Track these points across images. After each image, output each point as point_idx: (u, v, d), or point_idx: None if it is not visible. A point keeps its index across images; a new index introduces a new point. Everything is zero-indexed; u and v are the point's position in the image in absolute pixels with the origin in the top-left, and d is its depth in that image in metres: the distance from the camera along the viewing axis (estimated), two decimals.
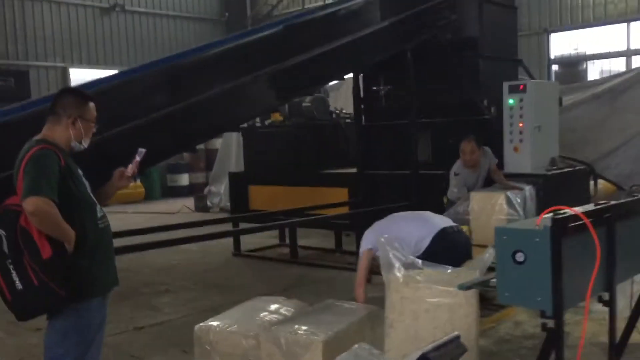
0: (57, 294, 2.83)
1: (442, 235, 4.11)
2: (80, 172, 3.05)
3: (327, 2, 15.63)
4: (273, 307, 4.18)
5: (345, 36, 5.57)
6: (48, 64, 16.73)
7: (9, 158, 2.86)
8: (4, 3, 15.97)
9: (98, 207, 3.09)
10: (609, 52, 14.22)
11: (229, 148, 13.68)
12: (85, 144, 3.07)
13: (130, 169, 3.20)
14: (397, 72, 6.60)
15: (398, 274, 3.38)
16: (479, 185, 5.91)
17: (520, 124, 6.05)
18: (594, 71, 14.44)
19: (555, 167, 6.23)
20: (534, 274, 2.55)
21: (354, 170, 7.39)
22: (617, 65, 13.98)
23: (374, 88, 6.89)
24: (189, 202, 14.86)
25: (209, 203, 14.34)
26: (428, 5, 6.54)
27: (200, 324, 3.97)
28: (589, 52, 14.67)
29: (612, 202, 2.95)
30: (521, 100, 6.01)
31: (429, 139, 6.70)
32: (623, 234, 2.96)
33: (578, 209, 2.72)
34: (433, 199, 6.03)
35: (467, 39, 6.60)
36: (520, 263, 2.59)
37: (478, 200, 5.45)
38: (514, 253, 2.60)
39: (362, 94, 7.16)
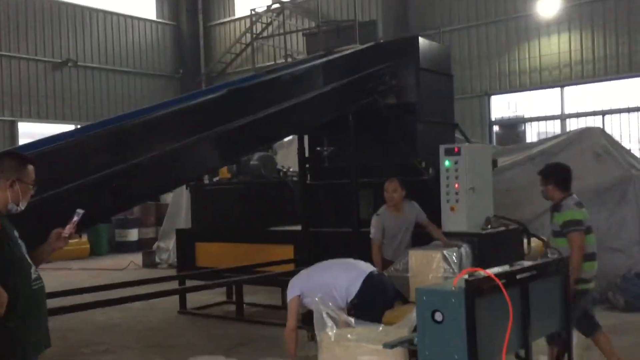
0: None
1: (370, 278, 4.39)
2: (16, 233, 3.09)
3: (277, 62, 16.20)
4: None
5: (288, 100, 5.80)
6: None
7: None
8: None
9: (33, 268, 3.12)
10: (545, 115, 15.06)
11: (180, 204, 13.65)
12: (23, 206, 3.12)
13: (68, 229, 3.24)
14: (340, 134, 6.87)
15: (330, 333, 3.50)
16: (403, 238, 6.10)
17: (456, 185, 6.33)
18: (532, 132, 15.23)
19: (489, 227, 6.50)
20: (451, 332, 2.71)
21: (299, 227, 7.53)
22: (553, 127, 14.80)
23: (318, 149, 7.14)
24: (138, 258, 14.63)
25: (157, 259, 14.17)
26: (369, 71, 6.87)
27: None
28: (527, 114, 15.51)
29: (525, 264, 3.16)
30: (456, 162, 6.32)
31: (370, 198, 6.91)
32: (537, 294, 3.17)
33: (493, 270, 2.93)
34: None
35: (406, 104, 6.94)
36: (439, 322, 2.75)
37: (416, 258, 5.64)
38: (433, 313, 2.76)
39: (306, 154, 7.39)
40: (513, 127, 15.59)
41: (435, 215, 6.39)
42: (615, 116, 13.96)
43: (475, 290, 2.71)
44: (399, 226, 6.11)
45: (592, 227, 4.87)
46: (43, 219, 3.37)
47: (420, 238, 6.21)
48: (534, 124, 15.31)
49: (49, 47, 17.89)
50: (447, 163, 6.39)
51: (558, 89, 14.65)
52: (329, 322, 3.55)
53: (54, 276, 11.03)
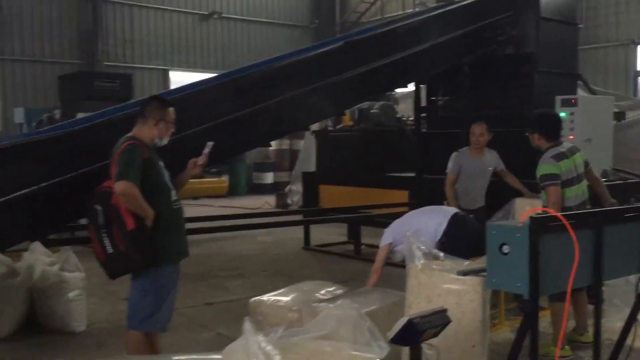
0: (138, 259, 3.58)
1: (456, 217, 4.72)
2: (161, 163, 3.80)
3: (405, 11, 16.18)
4: (321, 289, 4.80)
5: (404, 51, 6.09)
6: (151, 67, 18.26)
7: (109, 150, 3.64)
8: (115, 9, 17.61)
9: (173, 192, 3.83)
10: None
11: (310, 149, 14.41)
12: (165, 141, 3.81)
13: (201, 159, 3.93)
14: (455, 84, 7.04)
15: (418, 263, 3.91)
16: (479, 183, 6.13)
17: (571, 137, 6.32)
18: None
19: (605, 179, 6.43)
20: (516, 263, 3.01)
21: (414, 174, 7.88)
22: None
23: (433, 98, 7.36)
24: (271, 199, 15.77)
25: (289, 201, 15.16)
26: (488, 21, 6.92)
27: (254, 298, 4.66)
28: None
29: (602, 209, 3.34)
30: (572, 113, 6.29)
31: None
32: (613, 237, 3.34)
33: (527, 208, 3.17)
34: (496, 202, 6.40)
35: (524, 54, 6.92)
36: (505, 254, 3.06)
37: (520, 205, 5.80)
38: (501, 246, 3.07)
39: (423, 104, 7.64)
40: None
41: None
42: None
43: (540, 227, 2.97)
44: (477, 169, 6.13)
45: (578, 179, 4.68)
46: (182, 153, 4.04)
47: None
48: None
49: (197, 0, 19.22)
50: (562, 114, 6.37)
51: None
52: (418, 254, 3.96)
53: (198, 210, 12.38)
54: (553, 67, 7.07)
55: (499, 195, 6.10)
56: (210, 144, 3.91)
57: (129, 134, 3.73)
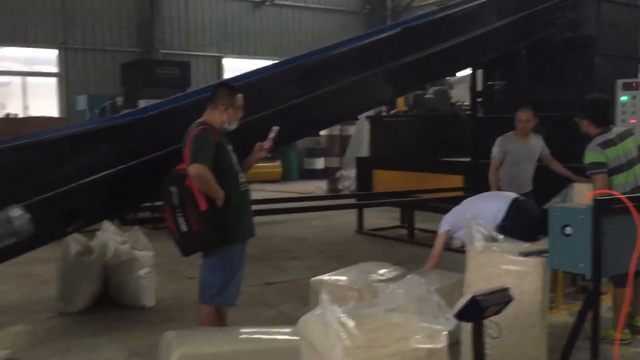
0: (210, 237, 3.81)
1: (514, 204, 4.72)
2: (230, 147, 4.00)
3: None
4: (379, 269, 4.95)
5: (460, 36, 6.12)
6: (206, 54, 18.64)
7: (179, 135, 3.86)
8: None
9: (241, 174, 4.04)
10: None
11: (361, 134, 14.51)
12: (234, 125, 4.02)
13: (267, 143, 4.13)
14: (513, 68, 7.01)
15: (478, 244, 4.00)
16: (525, 168, 6.09)
17: (633, 120, 6.24)
18: None
19: None
20: (579, 244, 3.08)
21: (469, 159, 7.90)
22: None
23: (490, 83, 7.35)
24: (323, 184, 15.98)
25: (340, 186, 15.34)
26: (548, 4, 6.85)
27: (315, 278, 4.84)
28: None
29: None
30: (634, 97, 6.21)
31: (542, 134, 7.03)
32: None
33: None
34: (542, 187, 6.39)
35: (584, 37, 6.84)
36: (568, 235, 3.14)
37: (579, 189, 5.78)
38: (563, 227, 3.15)
39: (479, 88, 7.64)
40: None
41: None
42: None
43: (602, 209, 3.03)
44: (523, 153, 6.09)
45: (628, 165, 4.57)
46: (248, 137, 4.24)
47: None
48: None
49: None
50: (623, 98, 6.30)
51: None
52: (478, 236, 4.04)
53: (253, 194, 12.68)
54: (614, 51, 6.95)
55: (543, 181, 6.08)
56: (275, 128, 4.09)
57: (199, 119, 3.94)
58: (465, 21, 6.38)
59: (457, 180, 8.07)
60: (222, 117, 3.93)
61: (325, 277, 4.78)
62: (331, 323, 2.27)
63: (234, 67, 18.84)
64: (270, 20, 19.88)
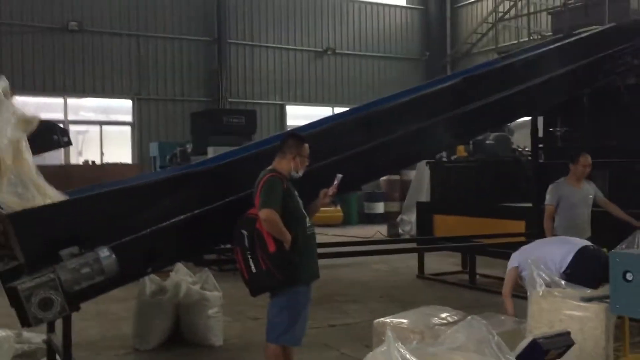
0: (277, 278, 4.02)
1: (583, 252, 4.69)
2: (296, 192, 4.25)
3: (520, 41, 16.06)
4: (440, 313, 5.03)
5: (521, 84, 6.25)
6: (269, 102, 19.34)
7: (251, 181, 4.14)
8: (237, 49, 18.92)
9: (307, 219, 4.27)
10: None
11: (422, 180, 14.59)
12: (301, 173, 4.27)
13: (331, 189, 4.35)
14: (574, 115, 7.06)
15: (539, 289, 4.06)
16: (583, 212, 6.10)
17: None
18: None
19: None
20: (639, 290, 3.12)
21: (530, 204, 7.90)
22: None
23: (551, 129, 7.40)
24: (383, 228, 16.03)
25: (400, 230, 15.36)
26: (608, 52, 6.92)
27: (378, 320, 4.96)
28: None
29: None
30: None
31: (606, 179, 6.99)
32: None
33: None
34: (606, 235, 6.34)
35: None
36: (629, 281, 3.18)
37: None
38: (625, 273, 3.20)
39: (540, 134, 7.69)
40: None
41: None
42: None
43: None
44: (579, 197, 6.10)
45: None
46: (313, 184, 4.47)
47: None
48: None
49: (312, 37, 20.17)
50: None
51: None
52: (539, 281, 4.11)
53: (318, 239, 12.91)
54: None
55: (603, 227, 6.03)
56: (339, 176, 4.31)
57: (269, 167, 4.22)
58: (525, 69, 6.51)
59: (518, 226, 8.07)
60: (289, 165, 4.20)
61: (388, 319, 4.89)
62: (396, 358, 2.42)
63: (296, 113, 19.42)
64: (332, 69, 20.47)
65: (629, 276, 3.19)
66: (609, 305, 3.26)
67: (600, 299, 3.49)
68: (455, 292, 8.55)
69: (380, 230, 15.76)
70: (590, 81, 6.83)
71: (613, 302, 3.26)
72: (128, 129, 17.80)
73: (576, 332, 3.79)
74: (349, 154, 5.07)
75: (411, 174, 16.42)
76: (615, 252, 3.29)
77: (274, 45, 19.47)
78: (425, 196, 13.33)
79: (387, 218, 17.66)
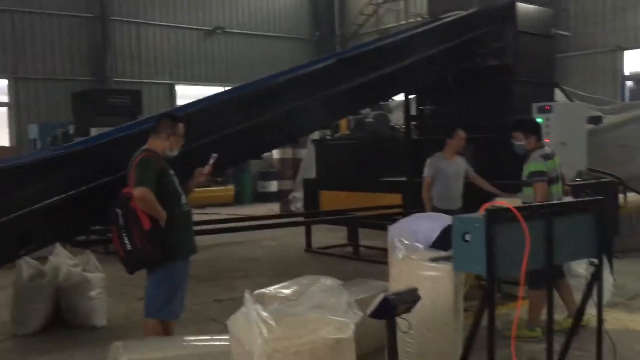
0: (153, 254, 4.11)
1: (449, 228, 5.12)
2: (171, 171, 4.36)
3: (399, 23, 16.77)
4: (317, 282, 5.35)
5: (391, 65, 6.66)
6: (158, 81, 18.93)
7: (127, 160, 4.21)
8: (122, 27, 18.31)
9: (183, 196, 4.38)
10: None
11: (312, 157, 14.98)
12: (176, 152, 4.36)
13: (206, 168, 4.49)
14: (441, 94, 7.61)
15: (399, 254, 4.47)
16: (456, 184, 6.60)
17: (547, 140, 6.86)
18: None
19: (580, 179, 6.97)
20: (476, 249, 3.55)
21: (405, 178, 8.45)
22: None
23: (421, 107, 7.93)
24: (276, 206, 16.33)
25: (293, 208, 15.70)
26: (472, 35, 7.49)
27: (258, 291, 5.15)
28: None
29: (551, 202, 3.88)
30: (548, 119, 6.85)
31: (471, 153, 7.60)
32: (563, 227, 3.87)
33: (517, 206, 3.72)
34: (475, 205, 6.90)
35: (504, 66, 7.49)
36: (467, 242, 3.60)
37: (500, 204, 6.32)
38: (464, 234, 3.62)
39: (413, 112, 8.21)
40: None
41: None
42: None
43: (495, 218, 3.51)
44: (453, 171, 6.59)
45: (557, 179, 5.31)
46: (191, 163, 4.59)
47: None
48: None
49: (201, 16, 19.89)
50: (539, 120, 6.93)
51: None
52: (400, 246, 4.51)
53: (206, 217, 12.97)
54: (531, 77, 7.63)
55: (472, 198, 6.58)
56: (214, 155, 4.47)
57: (143, 147, 4.29)
58: (396, 52, 6.93)
59: (396, 199, 8.58)
60: (164, 145, 4.29)
61: (266, 289, 5.14)
62: (253, 319, 2.67)
63: (186, 93, 19.16)
64: (222, 48, 20.33)
65: (467, 237, 3.60)
66: (453, 264, 3.68)
67: (446, 259, 3.92)
68: (340, 264, 8.99)
69: (273, 208, 16.03)
70: (456, 62, 7.38)
71: (455, 261, 3.68)
72: (4, 110, 16.82)
73: (430, 290, 4.23)
74: (229, 132, 5.24)
75: (303, 152, 16.80)
76: (456, 216, 3.70)
77: (162, 24, 19.03)
78: (314, 173, 13.75)
79: (281, 196, 17.96)
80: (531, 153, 5.29)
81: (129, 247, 4.09)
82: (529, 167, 5.22)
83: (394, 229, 5.47)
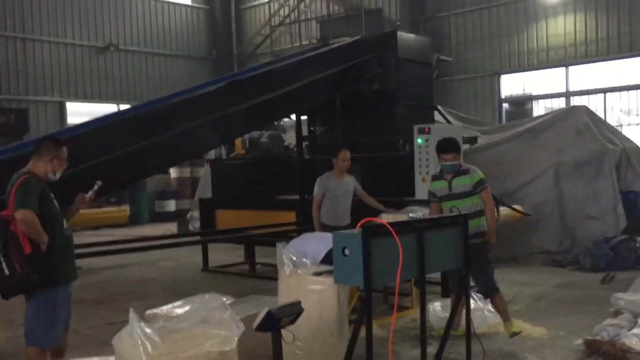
0: (33, 280, 3.97)
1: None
2: (52, 195, 4.23)
3: (293, 46, 17.24)
4: (211, 300, 5.44)
5: (281, 88, 6.94)
6: (46, 99, 18.18)
7: (4, 185, 4.12)
8: (7, 43, 17.47)
9: (65, 220, 4.28)
10: (552, 93, 15.76)
11: (209, 177, 14.97)
12: (58, 176, 4.26)
13: (89, 195, 4.43)
14: (330, 116, 7.99)
15: (287, 270, 4.69)
16: (344, 202, 6.90)
17: (426, 159, 7.40)
18: (539, 109, 15.97)
19: None
20: (354, 262, 3.83)
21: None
22: (558, 103, 15.53)
23: (312, 128, 8.27)
24: (174, 226, 16.10)
25: (191, 227, 15.56)
26: (357, 60, 7.94)
27: (150, 310, 5.21)
28: (534, 92, 16.22)
29: (422, 217, 4.25)
30: (427, 140, 7.37)
31: (358, 172, 8.00)
32: (433, 239, 4.25)
33: (390, 221, 4.05)
34: (360, 219, 7.27)
35: (388, 90, 8.00)
36: (346, 256, 3.88)
37: (386, 218, 6.71)
38: (343, 249, 3.89)
39: (305, 133, 8.54)
40: (521, 104, 16.35)
41: (410, 185, 7.49)
42: (616, 94, 14.61)
43: (370, 233, 3.82)
44: (341, 189, 6.89)
45: None
46: (73, 187, 4.52)
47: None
48: (541, 101, 16.06)
49: (93, 32, 19.38)
50: (419, 140, 7.45)
51: (563, 68, 15.37)
52: (287, 262, 4.73)
53: (98, 239, 12.60)
54: (412, 100, 8.19)
55: (363, 215, 6.93)
56: (98, 182, 4.41)
57: (23, 169, 4.16)
58: (286, 75, 7.22)
59: (290, 216, 8.83)
60: (46, 167, 4.18)
61: (158, 309, 5.18)
62: (137, 336, 2.78)
63: (79, 110, 18.52)
64: (116, 65, 19.89)
65: (346, 251, 3.88)
66: (334, 277, 3.94)
67: (328, 272, 4.18)
68: (237, 282, 9.08)
69: (170, 228, 15.77)
70: (343, 86, 7.79)
71: (336, 274, 3.94)
72: None
73: (316, 302, 4.48)
74: (119, 154, 5.26)
75: (201, 172, 16.71)
76: (335, 232, 3.98)
77: (50, 39, 18.35)
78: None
79: (179, 215, 17.71)
80: (460, 167, 5.49)
81: (6, 272, 3.92)
82: (478, 175, 5.45)
83: (283, 248, 5.70)
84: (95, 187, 4.42)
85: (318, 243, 5.57)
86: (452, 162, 5.44)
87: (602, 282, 7.83)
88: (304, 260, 4.84)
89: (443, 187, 5.53)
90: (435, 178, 5.63)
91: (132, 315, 2.78)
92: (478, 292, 5.66)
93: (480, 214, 5.51)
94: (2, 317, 6.72)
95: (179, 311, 5.12)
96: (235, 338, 2.90)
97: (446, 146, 5.48)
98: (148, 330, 2.74)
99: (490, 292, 5.55)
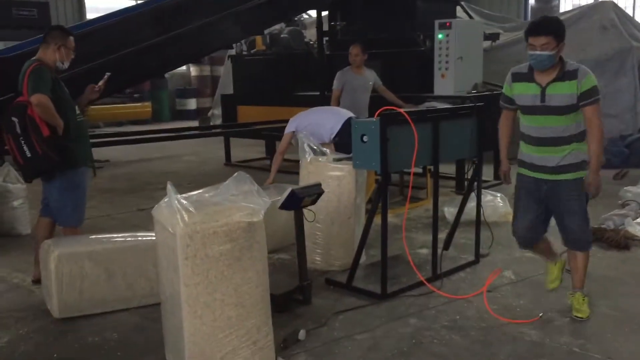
0: (54, 160, 4.11)
1: (349, 122, 5.40)
2: (62, 83, 4.30)
3: None
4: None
5: None
6: None
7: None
8: None
9: (76, 107, 4.40)
10: None
11: (229, 74, 15.02)
12: (66, 65, 4.32)
13: (98, 86, 4.53)
14: (350, 11, 7.93)
15: (307, 157, 4.94)
16: (362, 96, 6.98)
17: (446, 55, 7.42)
18: (566, 5, 15.48)
19: (475, 91, 7.62)
20: (372, 148, 4.05)
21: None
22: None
23: (332, 23, 8.23)
24: (195, 124, 16.39)
25: (211, 124, 15.88)
26: None
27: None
28: None
29: (438, 107, 4.41)
30: (448, 35, 7.36)
31: (378, 68, 8.05)
32: (448, 129, 4.43)
33: (408, 111, 4.23)
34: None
35: None
36: (365, 142, 4.10)
37: None
38: (362, 136, 4.10)
39: (325, 28, 8.51)
40: (548, 0, 15.83)
41: (430, 81, 7.56)
42: None
43: (387, 121, 4.01)
44: (359, 83, 6.99)
45: None
46: (94, 81, 4.60)
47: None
48: None
49: None
50: (440, 36, 7.44)
51: None
52: (308, 150, 4.96)
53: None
54: None
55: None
56: (108, 74, 4.50)
57: (33, 58, 4.24)
58: None
59: None
60: (54, 56, 4.24)
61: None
62: (175, 206, 3.07)
63: (97, 6, 18.34)
64: None
65: (365, 138, 4.09)
66: (353, 163, 4.19)
67: (348, 159, 4.42)
68: (258, 175, 9.15)
69: (191, 126, 16.10)
70: None
71: (354, 160, 4.19)
72: None
73: (335, 188, 4.75)
74: (139, 47, 5.38)
75: (221, 69, 16.75)
76: (355, 120, 4.18)
77: None
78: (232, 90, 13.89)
79: (200, 114, 17.97)
80: (563, 65, 3.54)
81: (28, 154, 4.04)
82: (589, 81, 3.49)
83: (295, 122, 5.84)
84: (105, 77, 4.51)
85: (328, 117, 5.72)
86: (548, 51, 3.45)
87: (614, 178, 8.02)
88: (324, 149, 5.03)
89: (531, 93, 3.64)
90: (516, 78, 3.75)
91: (170, 187, 3.05)
92: (565, 243, 3.90)
93: (581, 138, 3.65)
94: (36, 201, 7.16)
95: (206, 195, 5.46)
96: (262, 211, 3.17)
97: (538, 26, 3.53)
98: (184, 202, 3.03)
99: (585, 245, 3.85)
